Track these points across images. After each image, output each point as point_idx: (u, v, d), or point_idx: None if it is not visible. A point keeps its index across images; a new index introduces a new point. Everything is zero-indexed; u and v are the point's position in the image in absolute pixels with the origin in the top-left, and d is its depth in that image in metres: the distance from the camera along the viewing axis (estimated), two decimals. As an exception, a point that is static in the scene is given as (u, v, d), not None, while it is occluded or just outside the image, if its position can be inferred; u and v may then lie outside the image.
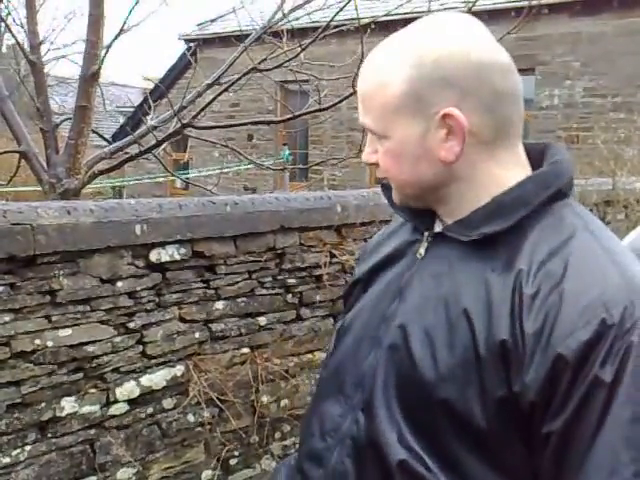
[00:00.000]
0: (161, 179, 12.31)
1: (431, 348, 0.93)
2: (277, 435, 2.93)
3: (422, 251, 1.02)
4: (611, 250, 0.92)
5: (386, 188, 1.09)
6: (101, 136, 5.55)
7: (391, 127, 0.96)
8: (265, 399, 2.84)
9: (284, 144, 12.84)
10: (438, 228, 1.03)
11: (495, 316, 0.89)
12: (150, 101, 5.01)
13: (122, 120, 16.71)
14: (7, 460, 2.13)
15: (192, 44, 13.91)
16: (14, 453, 2.15)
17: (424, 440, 0.92)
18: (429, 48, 0.94)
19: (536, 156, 1.02)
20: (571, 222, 0.94)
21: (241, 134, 12.50)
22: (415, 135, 0.95)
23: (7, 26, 5.87)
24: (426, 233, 1.04)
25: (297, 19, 4.77)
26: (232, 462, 2.79)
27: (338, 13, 4.38)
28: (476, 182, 0.98)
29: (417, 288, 0.99)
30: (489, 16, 8.85)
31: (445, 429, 0.90)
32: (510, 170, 0.98)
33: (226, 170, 11.07)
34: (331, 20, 4.38)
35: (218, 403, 2.66)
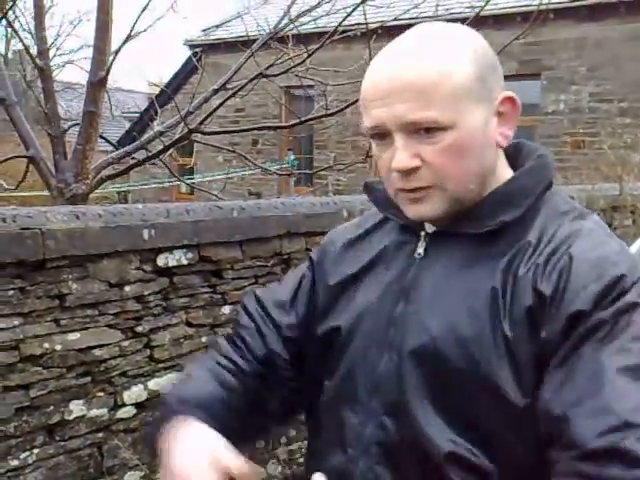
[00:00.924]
0: (166, 184, 12.36)
1: (462, 344, 0.91)
2: (283, 440, 2.93)
3: (421, 251, 1.02)
4: (605, 230, 0.98)
5: (371, 189, 1.09)
6: (109, 141, 5.58)
7: (460, 114, 0.93)
8: (271, 403, 2.84)
9: (289, 149, 12.86)
10: (429, 228, 1.02)
11: (518, 299, 0.90)
12: (157, 106, 5.02)
13: (127, 125, 16.76)
14: (16, 463, 2.14)
15: (197, 49, 13.97)
16: (22, 456, 2.16)
17: (468, 431, 0.91)
18: (471, 39, 0.97)
19: (510, 152, 1.04)
20: (570, 207, 0.99)
21: (246, 139, 12.53)
22: (481, 121, 0.95)
23: (15, 31, 5.90)
24: (423, 232, 1.02)
25: (302, 24, 4.79)
26: (238, 466, 2.79)
27: (346, 18, 4.39)
28: (494, 175, 0.99)
29: (428, 287, 0.98)
30: (494, 21, 8.89)
31: (489, 416, 0.90)
32: (502, 162, 1.02)
33: (231, 175, 11.09)
34: (339, 25, 4.40)
35: (225, 407, 2.66)
